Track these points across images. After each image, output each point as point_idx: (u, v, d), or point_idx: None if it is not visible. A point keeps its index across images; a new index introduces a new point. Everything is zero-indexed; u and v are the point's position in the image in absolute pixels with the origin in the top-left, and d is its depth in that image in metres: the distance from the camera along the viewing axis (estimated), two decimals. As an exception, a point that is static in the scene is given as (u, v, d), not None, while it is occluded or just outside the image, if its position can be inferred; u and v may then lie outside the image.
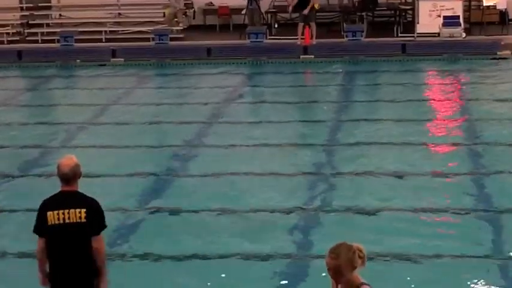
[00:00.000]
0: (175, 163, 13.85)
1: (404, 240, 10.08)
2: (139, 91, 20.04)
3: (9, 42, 25.58)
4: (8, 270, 9.81)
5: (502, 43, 22.38)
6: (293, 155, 14.08)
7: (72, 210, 7.01)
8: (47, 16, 27.30)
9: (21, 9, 27.46)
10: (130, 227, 10.98)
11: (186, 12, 26.58)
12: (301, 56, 22.79)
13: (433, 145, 14.27)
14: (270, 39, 24.07)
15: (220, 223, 11.04)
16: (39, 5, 27.35)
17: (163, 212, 11.50)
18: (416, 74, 21.04)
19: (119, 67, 22.83)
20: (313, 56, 22.72)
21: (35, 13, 27.08)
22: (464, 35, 22.90)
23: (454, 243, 10.03)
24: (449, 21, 22.77)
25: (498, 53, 22.09)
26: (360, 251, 5.60)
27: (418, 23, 23.26)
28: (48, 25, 26.98)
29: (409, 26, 23.93)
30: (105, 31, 25.61)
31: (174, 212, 11.48)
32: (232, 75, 21.49)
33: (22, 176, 13.41)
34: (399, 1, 25.66)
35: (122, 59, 23.33)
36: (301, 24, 23.11)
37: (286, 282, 9.29)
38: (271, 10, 25.54)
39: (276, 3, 25.61)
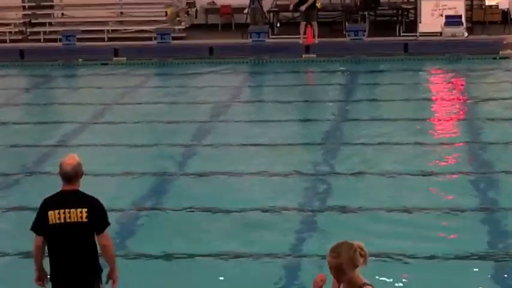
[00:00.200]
0: (177, 162, 13.86)
1: (403, 241, 10.07)
2: (141, 90, 20.05)
3: (12, 41, 25.57)
4: (9, 270, 9.81)
5: (504, 42, 22.36)
6: (294, 155, 14.07)
7: (73, 210, 7.02)
8: (49, 15, 27.30)
9: (24, 8, 27.47)
10: (129, 226, 10.99)
11: (188, 11, 26.57)
12: (303, 55, 22.79)
13: (434, 145, 14.26)
14: (272, 38, 24.06)
15: (219, 223, 11.04)
16: (42, 4, 27.34)
17: (163, 212, 11.51)
18: (418, 74, 21.03)
19: (121, 66, 22.83)
20: (315, 55, 22.71)
21: (37, 12, 27.08)
22: (466, 34, 22.89)
23: (454, 244, 10.04)
24: (452, 20, 22.76)
25: (500, 52, 22.07)
26: (361, 249, 5.61)
27: (420, 22, 23.24)
28: (50, 24, 26.97)
29: (411, 25, 23.91)
30: (108, 30, 25.60)
31: (172, 211, 11.48)
32: (234, 75, 21.50)
33: (24, 175, 13.41)
34: (401, 0, 25.65)
35: (124, 58, 23.34)
36: (303, 24, 23.11)
37: (285, 282, 9.30)
38: (273, 9, 25.53)
39: (278, 3, 25.61)
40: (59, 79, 22.29)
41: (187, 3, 26.53)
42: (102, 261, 7.32)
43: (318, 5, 23.28)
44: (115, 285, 7.33)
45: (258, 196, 11.91)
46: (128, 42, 24.54)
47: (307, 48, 22.93)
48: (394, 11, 24.97)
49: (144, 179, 12.92)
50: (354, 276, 5.60)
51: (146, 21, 26.24)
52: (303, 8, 22.85)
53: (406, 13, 24.87)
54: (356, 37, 23.22)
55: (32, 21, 26.76)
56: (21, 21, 26.83)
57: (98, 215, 7.09)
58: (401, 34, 23.60)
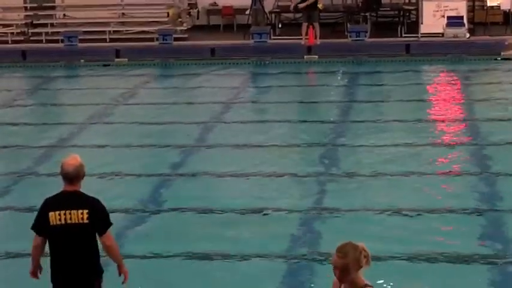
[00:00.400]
0: (179, 163, 13.85)
1: (401, 242, 10.07)
2: (142, 91, 20.05)
3: (14, 42, 25.59)
4: (9, 271, 9.81)
5: (506, 43, 22.36)
6: (296, 155, 14.08)
7: (74, 211, 7.01)
8: (51, 16, 27.33)
9: (26, 9, 27.49)
10: (134, 227, 10.99)
11: (190, 12, 26.59)
12: (305, 56, 22.80)
13: (436, 145, 14.26)
14: (273, 39, 24.07)
15: (215, 223, 11.04)
16: (43, 4, 27.36)
17: (165, 212, 11.52)
18: (420, 75, 21.04)
19: (122, 67, 22.84)
20: (317, 56, 22.72)
21: (39, 13, 27.09)
22: (468, 35, 22.88)
23: (456, 244, 10.02)
24: (453, 21, 22.76)
25: (502, 53, 22.08)
26: (364, 250, 5.62)
27: (422, 23, 23.24)
28: (52, 25, 26.99)
29: (413, 26, 23.91)
30: (109, 31, 25.61)
31: (176, 211, 11.49)
32: (236, 76, 21.50)
33: (26, 176, 13.42)
34: (403, 1, 25.65)
35: (126, 59, 23.35)
36: (305, 24, 23.11)
37: (287, 281, 9.30)
38: (275, 10, 25.54)
39: (279, 4, 25.61)
40: (60, 80, 22.30)
41: (189, 4, 26.56)
42: (108, 259, 7.35)
43: (320, 6, 23.28)
44: (126, 280, 7.37)
45: (259, 196, 11.90)
46: (129, 43, 24.55)
47: (309, 49, 22.94)
48: (396, 12, 24.97)
49: (146, 180, 12.92)
50: (356, 277, 5.62)
51: (148, 22, 26.25)
52: (302, 5, 22.83)
53: (407, 14, 24.88)
54: (358, 38, 23.22)
55: (34, 22, 26.77)
56: (23, 22, 26.85)
57: (100, 216, 7.09)
58: (403, 35, 23.61)
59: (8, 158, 14.65)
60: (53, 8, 27.58)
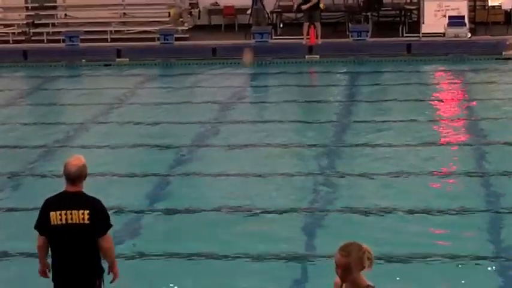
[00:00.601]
0: (179, 163, 13.85)
1: (407, 241, 10.07)
2: (144, 91, 20.06)
3: (15, 41, 25.60)
4: (10, 271, 9.81)
5: (507, 43, 22.35)
6: (297, 155, 14.08)
7: (75, 212, 7.01)
8: (52, 16, 27.34)
9: (27, 8, 27.51)
10: (135, 226, 10.99)
11: (191, 12, 26.59)
12: (307, 56, 22.79)
13: (438, 145, 14.26)
14: (275, 39, 24.07)
15: (223, 223, 11.03)
16: (45, 4, 27.37)
17: (167, 212, 11.51)
18: (421, 74, 21.04)
19: (124, 67, 22.85)
20: (318, 56, 22.72)
21: (41, 13, 27.11)
22: (469, 35, 22.88)
23: (458, 244, 10.02)
24: (455, 21, 22.75)
25: (503, 53, 22.07)
26: (369, 252, 5.61)
27: (423, 23, 23.24)
28: (53, 25, 27.00)
29: (414, 26, 23.90)
30: (111, 31, 25.61)
31: (177, 211, 11.49)
32: (237, 75, 21.50)
33: (27, 176, 13.42)
34: (404, 1, 25.65)
35: (127, 59, 23.35)
36: (306, 24, 23.11)
37: (289, 281, 9.30)
38: (276, 10, 25.54)
39: (281, 3, 25.61)
40: (61, 80, 22.29)
41: (190, 4, 26.55)
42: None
43: (322, 5, 23.28)
44: (115, 279, 7.36)
45: (260, 196, 11.90)
46: (130, 43, 24.56)
47: (310, 49, 22.94)
48: (397, 12, 24.97)
49: (147, 180, 12.91)
50: (358, 278, 5.61)
51: (149, 22, 26.25)
52: (305, 6, 22.84)
53: (409, 14, 24.88)
54: (359, 38, 23.22)
55: (35, 22, 26.79)
56: (25, 22, 26.86)
57: (100, 217, 7.09)
58: (405, 35, 23.60)
59: (9, 158, 14.63)
60: (54, 7, 27.59)
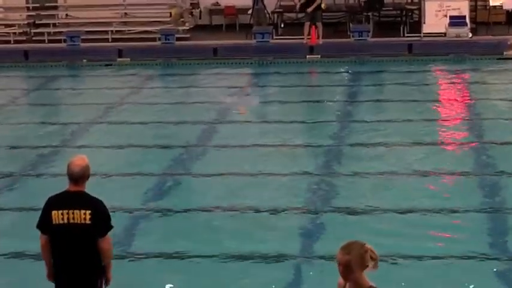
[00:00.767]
0: (181, 163, 13.86)
1: (406, 242, 10.07)
2: (145, 91, 20.06)
3: (16, 42, 25.60)
4: (12, 270, 9.81)
5: (509, 43, 22.34)
6: (298, 155, 14.08)
7: (76, 211, 7.02)
8: (53, 16, 27.33)
9: (28, 9, 27.50)
10: (134, 227, 10.99)
11: (192, 12, 26.59)
12: (308, 56, 22.79)
13: (439, 145, 14.26)
14: (276, 39, 24.06)
15: (223, 223, 11.04)
16: (46, 4, 27.36)
17: (168, 212, 11.51)
18: (422, 74, 21.01)
19: (125, 67, 22.85)
20: (319, 56, 22.71)
21: (42, 13, 27.10)
22: (470, 35, 22.87)
23: (461, 244, 10.02)
24: (456, 21, 22.75)
25: (504, 52, 22.06)
26: (373, 252, 5.56)
27: (424, 23, 23.22)
28: (54, 25, 26.99)
29: (416, 26, 23.90)
30: (112, 31, 25.60)
31: (177, 211, 11.49)
32: (238, 75, 21.50)
33: (29, 176, 13.42)
34: (405, 1, 25.64)
35: (128, 59, 23.36)
36: (307, 24, 23.10)
37: (287, 282, 9.30)
38: (277, 10, 25.53)
39: (282, 3, 25.60)
40: (63, 80, 22.30)
41: (191, 4, 26.56)
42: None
43: (323, 5, 23.28)
44: (108, 283, 7.35)
45: (259, 196, 11.90)
46: (132, 43, 24.56)
47: (311, 49, 22.93)
48: (398, 12, 24.95)
49: (147, 180, 12.91)
50: (361, 278, 5.57)
51: (150, 22, 26.24)
52: (310, 9, 22.84)
53: (410, 14, 24.86)
54: (360, 38, 23.21)
55: (36, 22, 26.78)
56: (26, 22, 26.86)
57: (101, 218, 7.09)
58: (406, 35, 23.59)
59: (11, 158, 14.64)
60: (55, 8, 27.59)
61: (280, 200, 11.71)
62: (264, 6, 24.72)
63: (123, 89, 20.09)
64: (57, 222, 7.03)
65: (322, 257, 9.65)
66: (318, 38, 23.03)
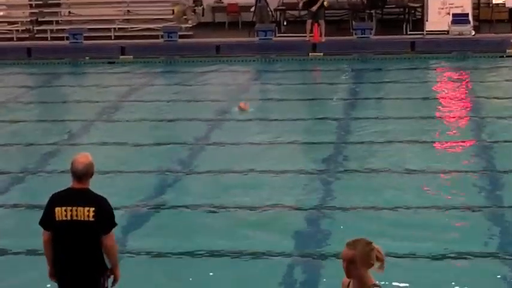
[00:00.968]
0: (184, 160, 13.86)
1: (408, 240, 10.06)
2: (148, 88, 20.06)
3: (19, 39, 25.62)
4: (14, 268, 9.81)
5: (511, 41, 22.33)
6: (301, 153, 14.09)
7: (80, 208, 7.02)
8: (56, 13, 27.35)
9: (31, 6, 27.52)
10: (139, 224, 11.00)
11: (195, 9, 26.60)
12: (310, 54, 22.79)
13: (441, 143, 14.26)
14: (278, 36, 24.07)
15: (222, 221, 11.04)
16: (49, 2, 27.38)
17: (171, 209, 11.52)
18: (425, 72, 21.02)
19: (127, 64, 22.85)
20: (322, 54, 22.71)
21: (44, 10, 27.12)
22: (473, 32, 22.86)
23: (463, 243, 10.01)
24: (459, 18, 22.74)
25: (507, 50, 22.04)
26: (379, 252, 5.53)
27: (427, 20, 23.23)
28: (57, 22, 27.01)
29: (418, 24, 23.89)
30: (114, 28, 25.62)
31: (182, 208, 11.49)
32: (241, 73, 21.50)
33: (32, 173, 13.43)
34: (408, -1, 25.65)
35: (131, 56, 23.37)
36: (309, 22, 23.10)
37: (299, 279, 9.31)
38: (280, 7, 25.55)
39: (284, 1, 25.62)
40: (65, 77, 22.31)
41: (194, 1, 26.59)
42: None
43: (325, 3, 23.28)
44: (116, 282, 7.35)
45: (264, 194, 11.90)
46: (134, 40, 24.58)
47: (314, 47, 22.94)
48: (401, 9, 24.95)
49: (150, 177, 12.92)
50: (365, 276, 5.52)
51: (153, 20, 26.24)
52: (314, 8, 22.83)
53: (413, 11, 24.86)
54: (363, 35, 23.22)
55: (39, 19, 26.79)
56: (28, 19, 26.86)
57: (105, 216, 7.09)
58: (408, 32, 23.59)
59: (13, 155, 14.65)
60: (58, 5, 27.59)
61: (286, 198, 11.68)
62: (267, 3, 24.73)
63: (125, 86, 20.11)
64: (60, 218, 7.04)
65: (328, 255, 9.64)
66: (321, 35, 23.02)
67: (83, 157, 7.17)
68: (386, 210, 11.12)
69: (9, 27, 26.26)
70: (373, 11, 24.65)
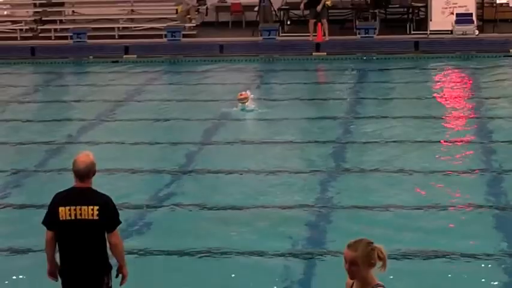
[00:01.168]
0: (187, 160, 13.86)
1: (413, 238, 10.06)
2: (151, 88, 20.08)
3: (23, 38, 25.66)
4: (15, 268, 9.81)
5: (515, 41, 22.35)
6: (304, 152, 14.08)
7: (84, 207, 7.02)
8: (60, 12, 27.38)
9: (35, 5, 27.56)
10: (141, 223, 11.00)
11: (198, 9, 26.63)
12: (314, 53, 22.80)
13: (444, 143, 14.24)
14: (282, 36, 24.09)
15: (230, 220, 11.04)
16: (52, 1, 27.43)
17: (173, 209, 11.51)
18: (428, 72, 21.01)
19: (131, 64, 22.88)
20: (325, 53, 22.72)
21: (48, 9, 27.16)
22: (477, 32, 22.85)
23: (464, 242, 10.00)
24: (462, 18, 22.74)
25: (511, 50, 22.04)
26: (381, 251, 5.50)
27: (430, 20, 23.23)
28: (61, 21, 27.05)
29: (422, 23, 23.90)
30: (118, 28, 25.67)
31: (184, 208, 11.49)
32: (244, 72, 21.51)
33: (35, 172, 13.44)
34: (412, -2, 25.65)
35: (135, 56, 23.40)
36: (312, 21, 23.10)
37: (297, 278, 9.30)
38: (283, 7, 25.55)
39: (288, 0, 25.62)
40: (69, 76, 22.34)
41: (197, 1, 26.59)
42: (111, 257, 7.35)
43: (329, 3, 23.28)
44: (124, 280, 7.35)
45: (266, 193, 11.89)
46: (138, 39, 24.62)
47: (318, 46, 22.94)
48: (405, 9, 24.96)
49: (153, 176, 12.93)
50: (368, 277, 5.49)
51: (157, 19, 26.28)
52: (319, 7, 22.83)
53: (416, 11, 24.86)
54: (366, 35, 23.22)
55: (43, 18, 26.84)
56: (32, 18, 26.91)
57: (109, 214, 7.09)
58: (412, 32, 23.59)
59: (17, 154, 14.66)
60: (61, 4, 27.63)
61: (288, 197, 11.66)
62: (271, 3, 24.75)
63: (129, 85, 20.12)
64: (64, 218, 7.03)
65: (329, 254, 9.63)
66: (324, 35, 23.03)
67: (84, 156, 7.15)
68: (387, 210, 11.11)
69: (13, 27, 26.30)
70: (376, 11, 24.67)
